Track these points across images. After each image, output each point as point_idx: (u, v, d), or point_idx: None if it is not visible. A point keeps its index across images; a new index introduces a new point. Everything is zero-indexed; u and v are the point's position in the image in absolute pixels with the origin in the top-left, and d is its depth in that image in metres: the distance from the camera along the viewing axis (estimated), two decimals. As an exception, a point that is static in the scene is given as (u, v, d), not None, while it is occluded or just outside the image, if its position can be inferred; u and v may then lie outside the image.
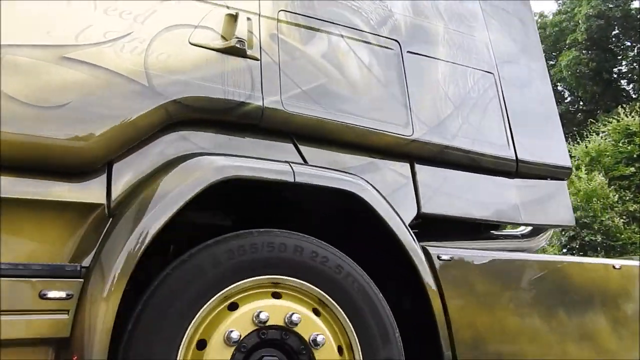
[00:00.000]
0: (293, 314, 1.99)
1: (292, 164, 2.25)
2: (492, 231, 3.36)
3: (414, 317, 2.39)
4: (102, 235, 1.87)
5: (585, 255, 13.90)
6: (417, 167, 2.78)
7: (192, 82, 2.15)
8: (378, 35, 2.81)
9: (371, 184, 2.42)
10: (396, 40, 2.87)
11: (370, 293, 2.17)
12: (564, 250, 15.65)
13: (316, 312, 2.08)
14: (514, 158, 3.09)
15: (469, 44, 3.21)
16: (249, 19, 2.38)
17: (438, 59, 3.02)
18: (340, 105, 2.53)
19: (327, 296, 2.09)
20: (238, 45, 2.27)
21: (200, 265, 1.91)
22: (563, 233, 15.22)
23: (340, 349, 2.08)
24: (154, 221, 1.86)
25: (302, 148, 2.46)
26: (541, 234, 3.50)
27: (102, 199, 1.93)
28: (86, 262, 1.82)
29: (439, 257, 2.46)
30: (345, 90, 2.59)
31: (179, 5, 2.24)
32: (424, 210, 2.70)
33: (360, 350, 2.08)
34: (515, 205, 3.05)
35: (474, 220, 2.91)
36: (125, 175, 2.00)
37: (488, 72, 3.22)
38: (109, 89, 1.96)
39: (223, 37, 2.28)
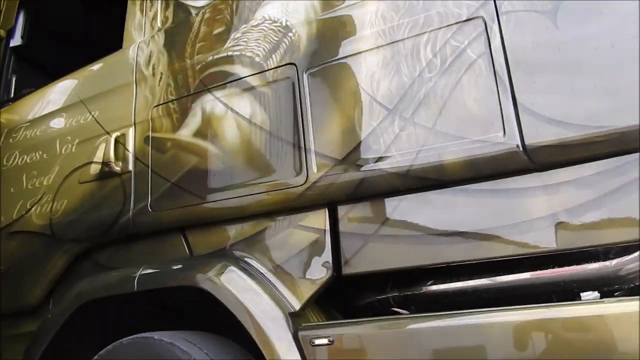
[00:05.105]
0: None
1: (137, 271, 2.27)
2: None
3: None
4: None
5: None
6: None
7: (82, 217, 2.55)
8: (265, 70, 2.31)
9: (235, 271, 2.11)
10: (292, 64, 2.26)
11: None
12: None
13: None
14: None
15: None
16: (123, 134, 2.55)
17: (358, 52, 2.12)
18: (210, 183, 2.29)
19: None
20: (106, 169, 2.50)
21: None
22: None
23: None
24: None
25: (190, 238, 2.38)
26: None
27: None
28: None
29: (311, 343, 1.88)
30: (218, 162, 2.30)
31: (76, 149, 2.69)
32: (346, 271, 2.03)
33: None
34: None
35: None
36: None
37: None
38: (30, 249, 2.64)
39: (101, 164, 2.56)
